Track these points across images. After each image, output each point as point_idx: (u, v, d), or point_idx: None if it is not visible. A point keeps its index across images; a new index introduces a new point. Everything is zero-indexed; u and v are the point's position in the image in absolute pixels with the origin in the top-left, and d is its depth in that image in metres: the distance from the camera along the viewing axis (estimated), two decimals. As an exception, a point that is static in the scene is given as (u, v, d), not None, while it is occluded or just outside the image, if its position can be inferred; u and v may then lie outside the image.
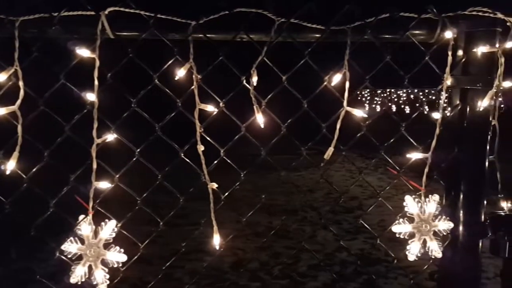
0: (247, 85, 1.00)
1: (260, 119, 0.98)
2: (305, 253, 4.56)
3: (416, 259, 1.11)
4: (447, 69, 1.05)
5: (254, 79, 1.01)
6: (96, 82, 0.92)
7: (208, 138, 1.02)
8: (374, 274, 4.06)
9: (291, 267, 4.33)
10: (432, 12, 1.04)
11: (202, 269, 4.03)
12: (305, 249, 4.60)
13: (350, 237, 4.95)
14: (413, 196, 1.11)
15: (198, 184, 1.03)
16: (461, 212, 1.15)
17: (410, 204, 1.10)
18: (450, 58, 1.04)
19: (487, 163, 1.14)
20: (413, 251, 1.11)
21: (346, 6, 1.01)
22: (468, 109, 1.11)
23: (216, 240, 1.01)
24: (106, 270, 1.01)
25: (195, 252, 4.51)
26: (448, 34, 1.03)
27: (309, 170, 8.48)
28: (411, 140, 1.12)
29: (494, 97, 1.14)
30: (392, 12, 1.04)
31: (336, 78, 1.02)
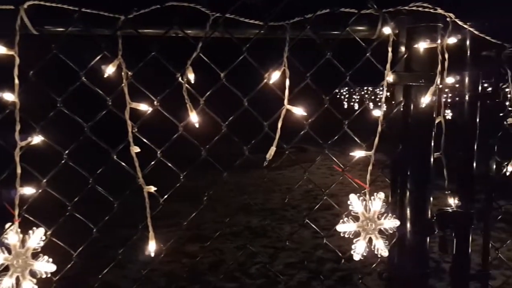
0: (182, 82, 0.96)
1: (194, 118, 0.94)
2: (282, 252, 4.55)
3: (362, 258, 1.09)
4: (388, 66, 1.03)
5: (191, 76, 0.97)
6: (16, 81, 0.87)
7: (143, 139, 0.98)
8: (350, 271, 4.08)
9: (268, 265, 4.32)
10: (372, 8, 1.02)
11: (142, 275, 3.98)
12: (283, 247, 4.60)
13: (326, 233, 4.96)
14: (358, 194, 1.09)
15: (133, 187, 0.99)
16: (407, 209, 1.14)
17: (355, 202, 1.09)
18: (390, 55, 1.02)
19: (432, 160, 1.13)
20: (358, 250, 1.09)
21: (285, 0, 0.98)
22: (412, 105, 1.09)
23: (152, 247, 0.96)
24: (34, 281, 0.95)
25: (172, 254, 4.45)
26: (387, 30, 1.01)
27: (290, 169, 8.49)
28: (354, 137, 1.10)
29: (439, 94, 1.13)
30: (333, 7, 1.02)
31: (275, 76, 0.99)
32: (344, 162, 1.18)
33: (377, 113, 1.04)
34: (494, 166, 1.22)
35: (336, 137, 1.10)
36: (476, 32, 1.11)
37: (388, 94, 1.17)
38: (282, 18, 1.00)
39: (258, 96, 1.21)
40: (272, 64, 1.04)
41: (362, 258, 1.09)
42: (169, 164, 1.02)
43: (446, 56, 1.11)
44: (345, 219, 1.08)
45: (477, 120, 1.18)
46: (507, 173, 1.22)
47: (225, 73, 1.01)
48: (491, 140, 1.21)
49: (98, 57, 0.92)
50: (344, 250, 1.17)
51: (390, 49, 1.02)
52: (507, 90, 1.17)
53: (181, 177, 1.04)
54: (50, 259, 0.94)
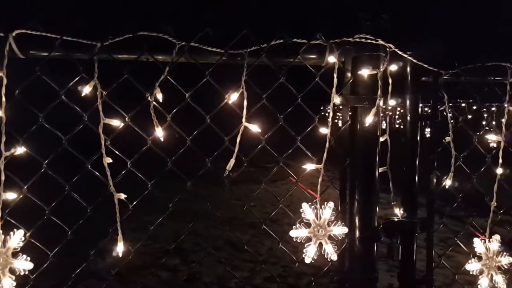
0: (153, 102, 1.08)
1: (159, 132, 1.06)
2: (261, 266, 4.62)
3: (313, 261, 1.21)
4: (333, 90, 1.17)
5: (159, 96, 1.10)
6: (3, 99, 0.99)
7: (115, 151, 1.09)
8: (327, 285, 4.17)
9: (247, 280, 4.38)
10: (320, 39, 1.17)
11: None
12: (261, 261, 4.67)
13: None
14: (309, 203, 1.21)
15: (106, 193, 1.09)
16: (356, 218, 1.26)
17: (306, 210, 1.21)
18: (335, 80, 1.16)
19: (377, 173, 1.26)
20: (309, 254, 1.21)
21: (243, 31, 1.12)
22: (358, 125, 1.23)
23: (120, 248, 1.07)
24: (13, 277, 1.05)
25: (150, 267, 4.49)
26: (331, 59, 1.16)
27: (274, 184, 8.60)
28: (307, 152, 1.23)
29: (387, 114, 1.28)
30: (286, 38, 1.16)
31: (234, 97, 1.12)
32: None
33: (324, 130, 1.18)
34: (435, 180, 1.36)
35: (290, 151, 1.24)
36: (414, 61, 1.26)
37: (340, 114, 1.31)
38: (241, 47, 1.14)
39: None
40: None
41: (312, 261, 1.21)
42: (139, 174, 1.14)
43: (390, 81, 1.26)
44: (297, 225, 1.21)
45: (418, 138, 1.33)
46: (446, 186, 1.36)
47: (190, 93, 1.14)
48: (431, 156, 1.35)
49: (77, 79, 1.04)
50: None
51: (335, 75, 1.17)
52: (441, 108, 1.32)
53: (149, 185, 1.15)
54: (28, 258, 1.04)
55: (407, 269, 1.38)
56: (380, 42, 1.20)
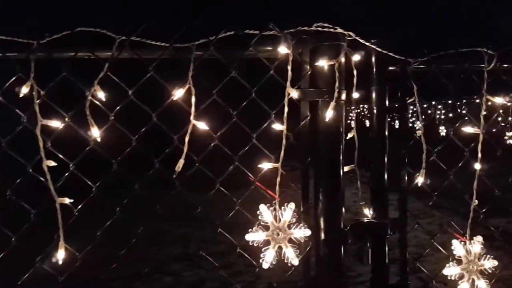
0: (90, 99, 1.03)
1: (95, 133, 1.01)
2: (266, 270, 4.54)
3: (271, 266, 1.14)
4: (288, 83, 1.10)
5: (100, 94, 1.05)
6: None
7: (57, 153, 1.05)
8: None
9: (251, 284, 4.30)
10: (274, 29, 1.10)
11: None
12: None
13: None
14: (268, 204, 1.14)
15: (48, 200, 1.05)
16: (320, 219, 1.18)
17: (264, 212, 1.14)
18: (290, 73, 1.09)
19: (342, 171, 1.18)
20: (267, 259, 1.13)
21: (190, 23, 1.06)
22: (318, 120, 1.15)
23: (60, 255, 1.02)
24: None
25: (155, 273, 4.47)
26: (283, 50, 1.09)
27: (281, 188, 8.51)
28: (265, 150, 1.16)
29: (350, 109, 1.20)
30: (237, 29, 1.10)
31: (179, 93, 1.06)
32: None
33: (278, 127, 1.11)
34: (406, 177, 1.27)
35: (245, 149, 1.17)
36: (378, 49, 1.18)
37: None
38: (190, 40, 1.08)
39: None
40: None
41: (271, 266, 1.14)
42: (82, 177, 1.09)
43: (355, 72, 1.18)
44: (255, 228, 1.13)
45: (386, 133, 1.23)
46: (419, 184, 1.26)
47: (133, 90, 1.09)
48: (401, 151, 1.26)
49: (13, 79, 1.00)
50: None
51: (289, 67, 1.09)
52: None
53: (93, 189, 1.10)
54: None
55: (379, 274, 1.28)
56: (339, 30, 1.12)
